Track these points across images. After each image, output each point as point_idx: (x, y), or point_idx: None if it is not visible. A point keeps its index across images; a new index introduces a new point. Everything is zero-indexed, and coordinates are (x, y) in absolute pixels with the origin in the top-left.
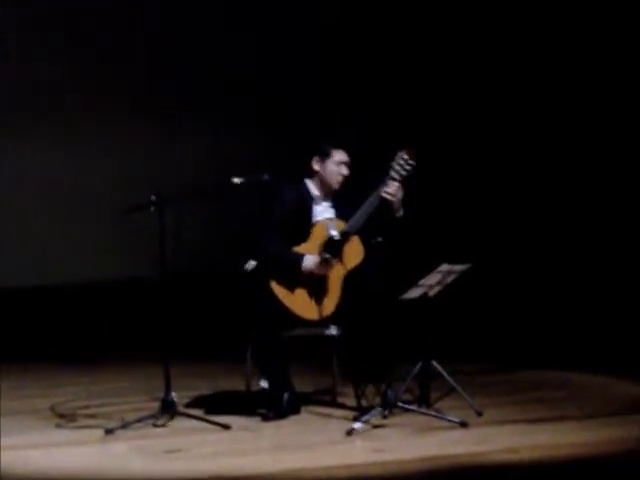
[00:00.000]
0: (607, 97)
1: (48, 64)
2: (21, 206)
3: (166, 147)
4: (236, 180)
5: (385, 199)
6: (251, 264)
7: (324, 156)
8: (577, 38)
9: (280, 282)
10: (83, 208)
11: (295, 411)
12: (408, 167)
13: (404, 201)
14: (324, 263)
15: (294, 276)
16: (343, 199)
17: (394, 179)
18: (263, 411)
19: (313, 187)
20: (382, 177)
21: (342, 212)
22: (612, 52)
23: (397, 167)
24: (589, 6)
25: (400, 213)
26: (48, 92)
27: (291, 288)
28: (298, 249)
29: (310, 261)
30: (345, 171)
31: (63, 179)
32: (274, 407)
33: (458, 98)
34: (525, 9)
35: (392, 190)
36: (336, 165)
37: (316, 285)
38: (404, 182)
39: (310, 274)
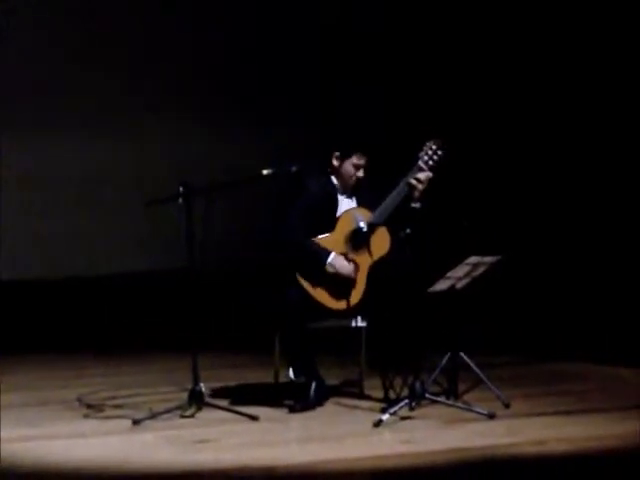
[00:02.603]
0: None
1: (88, 63)
2: (59, 201)
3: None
4: (265, 172)
5: (410, 187)
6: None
7: (344, 155)
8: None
9: (306, 273)
10: (113, 201)
11: (322, 402)
12: (436, 157)
13: (425, 193)
14: (348, 263)
15: (319, 268)
16: (365, 192)
17: (422, 169)
18: (290, 402)
19: (334, 180)
20: (409, 167)
21: (364, 203)
22: None
23: (425, 157)
24: None
25: (417, 205)
26: (82, 89)
27: (317, 278)
28: (324, 239)
29: (335, 261)
30: (360, 174)
31: (94, 173)
32: (301, 398)
33: (481, 91)
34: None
35: (422, 177)
36: (353, 167)
37: (342, 276)
38: (433, 172)
39: (333, 273)
